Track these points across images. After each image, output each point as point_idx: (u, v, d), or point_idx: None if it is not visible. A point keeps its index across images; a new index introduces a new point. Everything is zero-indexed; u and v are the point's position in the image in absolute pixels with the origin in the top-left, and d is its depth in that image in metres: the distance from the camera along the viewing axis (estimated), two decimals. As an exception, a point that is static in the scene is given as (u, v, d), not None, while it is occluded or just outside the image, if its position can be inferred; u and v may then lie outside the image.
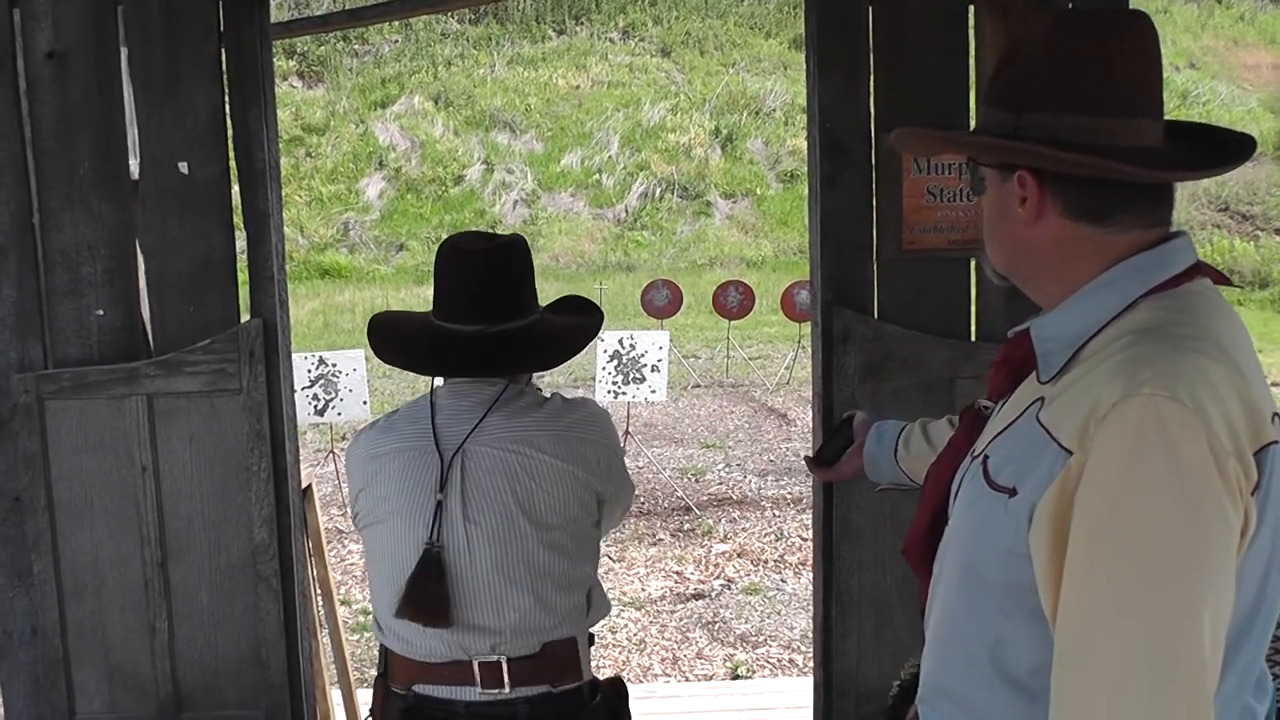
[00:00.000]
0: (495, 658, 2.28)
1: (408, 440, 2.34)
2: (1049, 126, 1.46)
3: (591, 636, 2.46)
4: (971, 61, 3.10)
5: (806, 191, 3.26)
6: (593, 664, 2.47)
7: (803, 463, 2.61)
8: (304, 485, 3.65)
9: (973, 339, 3.14)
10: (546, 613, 2.31)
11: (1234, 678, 1.39)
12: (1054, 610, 1.37)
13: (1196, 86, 27.04)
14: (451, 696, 2.30)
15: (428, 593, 2.25)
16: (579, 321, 2.52)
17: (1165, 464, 1.28)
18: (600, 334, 9.32)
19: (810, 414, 3.29)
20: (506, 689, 2.28)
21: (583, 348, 2.49)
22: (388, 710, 2.37)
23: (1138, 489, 1.29)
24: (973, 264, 3.13)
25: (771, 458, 10.82)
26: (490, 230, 2.49)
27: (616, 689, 2.47)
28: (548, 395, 2.44)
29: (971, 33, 3.10)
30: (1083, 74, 1.46)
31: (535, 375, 2.54)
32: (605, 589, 2.48)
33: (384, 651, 2.42)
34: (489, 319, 2.35)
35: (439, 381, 2.47)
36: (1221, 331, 1.41)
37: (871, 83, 3.10)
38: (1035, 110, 1.48)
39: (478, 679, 2.28)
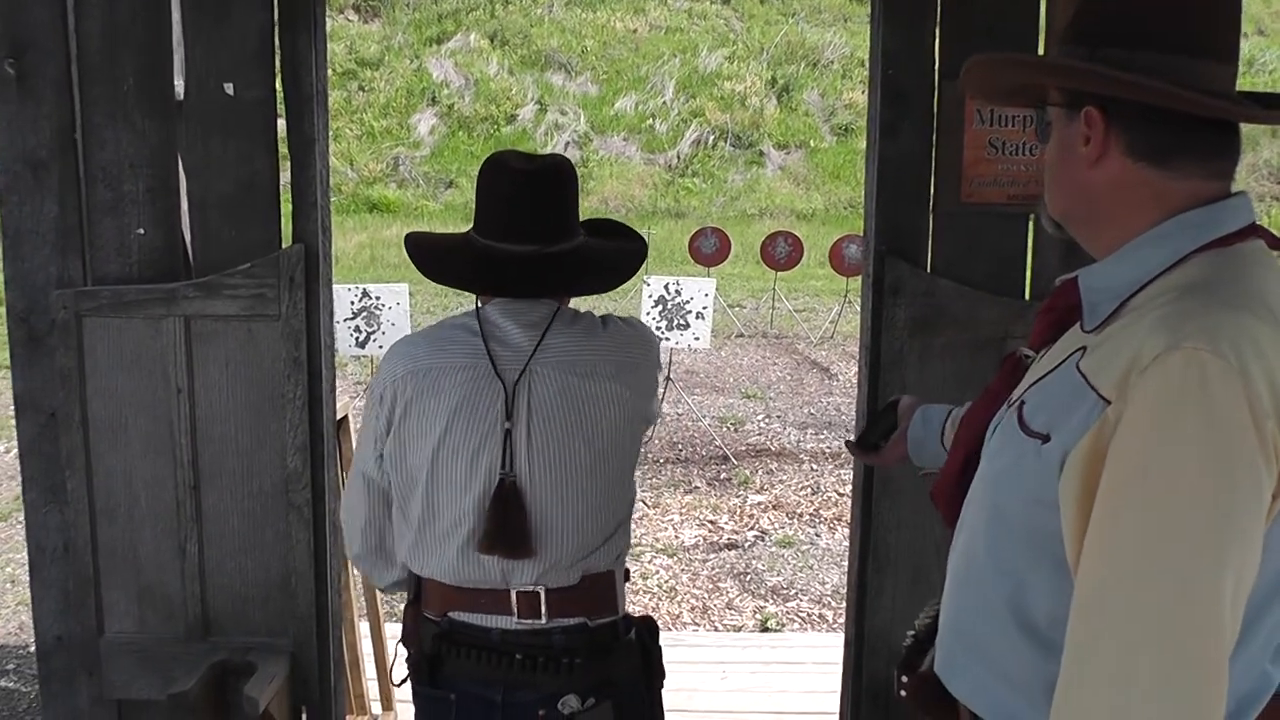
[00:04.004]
0: (535, 588, 2.27)
1: (462, 358, 2.28)
2: (1123, 61, 1.44)
3: (627, 572, 2.46)
4: (1041, 12, 3.00)
5: (863, 143, 3.20)
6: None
7: (840, 418, 2.57)
8: (340, 416, 3.63)
9: (1026, 298, 3.06)
10: (590, 544, 2.30)
11: (1257, 643, 1.39)
12: (1077, 559, 1.37)
13: (1264, 54, 26.42)
14: (487, 625, 2.28)
15: (509, 524, 2.23)
16: (625, 245, 2.48)
17: (1203, 418, 1.27)
18: (647, 278, 9.32)
19: (855, 369, 3.22)
20: (543, 619, 2.27)
21: (634, 273, 2.47)
22: (421, 635, 2.35)
23: (1173, 441, 1.28)
24: (1030, 221, 3.05)
25: (812, 411, 10.75)
26: (531, 153, 2.45)
27: (649, 627, 2.45)
28: (600, 317, 2.40)
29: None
30: (1159, 11, 1.45)
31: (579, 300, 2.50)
32: (639, 534, 2.47)
33: (415, 578, 2.40)
34: (542, 240, 2.30)
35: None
36: (1271, 293, 1.39)
37: (937, 31, 3.01)
38: (1110, 45, 1.47)
39: (514, 608, 2.27)
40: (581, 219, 2.45)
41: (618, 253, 2.45)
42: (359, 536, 2.44)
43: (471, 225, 2.40)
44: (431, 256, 2.43)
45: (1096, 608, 1.32)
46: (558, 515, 2.26)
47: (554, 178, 2.33)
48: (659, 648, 2.45)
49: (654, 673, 2.44)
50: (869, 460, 2.45)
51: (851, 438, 2.50)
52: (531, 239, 2.30)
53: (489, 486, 2.24)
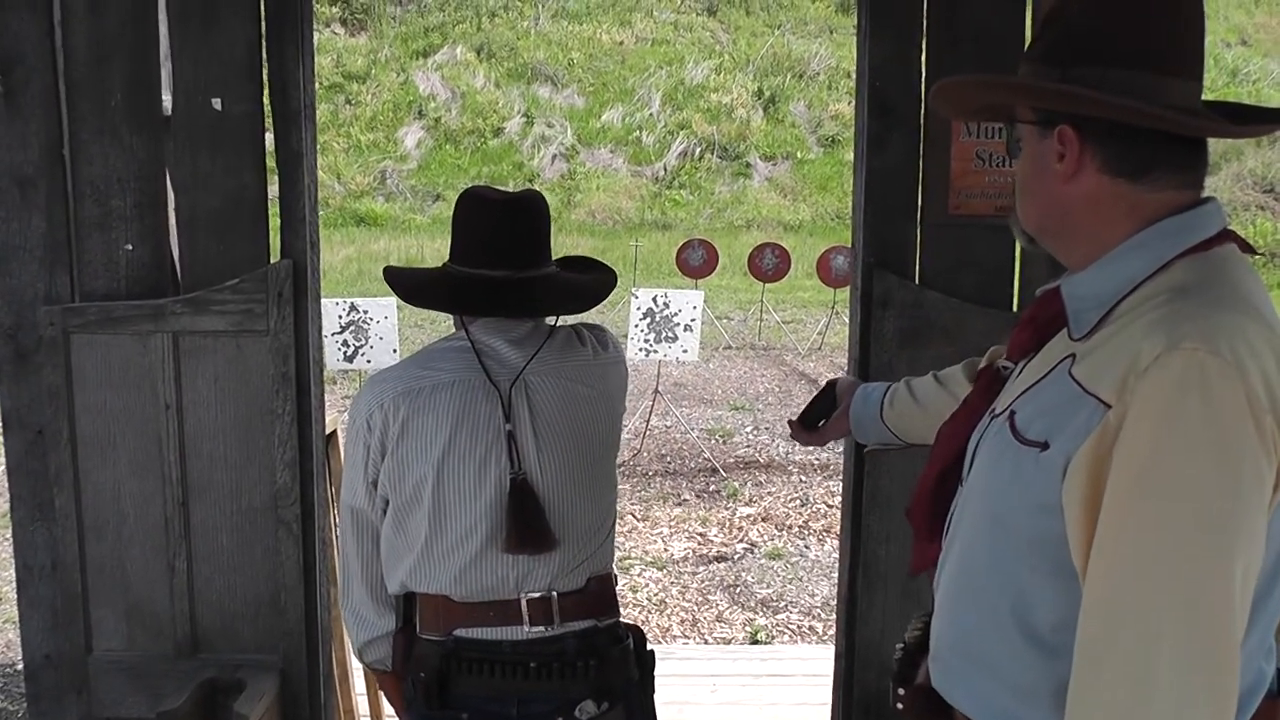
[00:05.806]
0: (546, 594, 2.30)
1: (454, 373, 2.33)
2: (1095, 79, 1.47)
3: (615, 577, 2.51)
4: (1028, 26, 3.01)
5: (850, 155, 3.22)
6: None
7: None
8: (328, 431, 3.62)
9: (1014, 309, 3.07)
10: (594, 545, 2.38)
11: (1254, 639, 1.41)
12: (1084, 563, 1.39)
13: (1247, 64, 26.57)
14: (497, 638, 2.29)
15: (527, 521, 2.28)
16: (596, 276, 2.56)
17: (1205, 415, 1.30)
18: (635, 290, 9.32)
19: (844, 380, 3.21)
20: (555, 624, 2.30)
21: (605, 296, 2.54)
22: (422, 657, 2.33)
23: (1178, 440, 1.31)
24: (1018, 233, 3.06)
25: (801, 423, 10.72)
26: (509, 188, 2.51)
27: (637, 635, 2.48)
28: (571, 328, 2.50)
29: (1028, -4, 3.02)
30: (1131, 30, 1.48)
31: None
32: (629, 547, 2.50)
33: (406, 602, 2.40)
34: (514, 265, 2.37)
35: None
36: (1254, 293, 1.43)
37: (924, 44, 3.02)
38: (1081, 64, 1.49)
39: (525, 617, 2.29)
40: (566, 245, 2.49)
41: (588, 280, 2.53)
42: (356, 583, 2.46)
43: (448, 258, 2.46)
44: (412, 286, 2.49)
45: (1109, 607, 1.34)
46: (568, 510, 2.33)
47: (527, 208, 2.41)
48: (651, 654, 2.48)
49: (649, 678, 2.47)
50: (809, 441, 2.51)
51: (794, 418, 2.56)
52: (506, 264, 2.36)
53: (500, 490, 2.28)
